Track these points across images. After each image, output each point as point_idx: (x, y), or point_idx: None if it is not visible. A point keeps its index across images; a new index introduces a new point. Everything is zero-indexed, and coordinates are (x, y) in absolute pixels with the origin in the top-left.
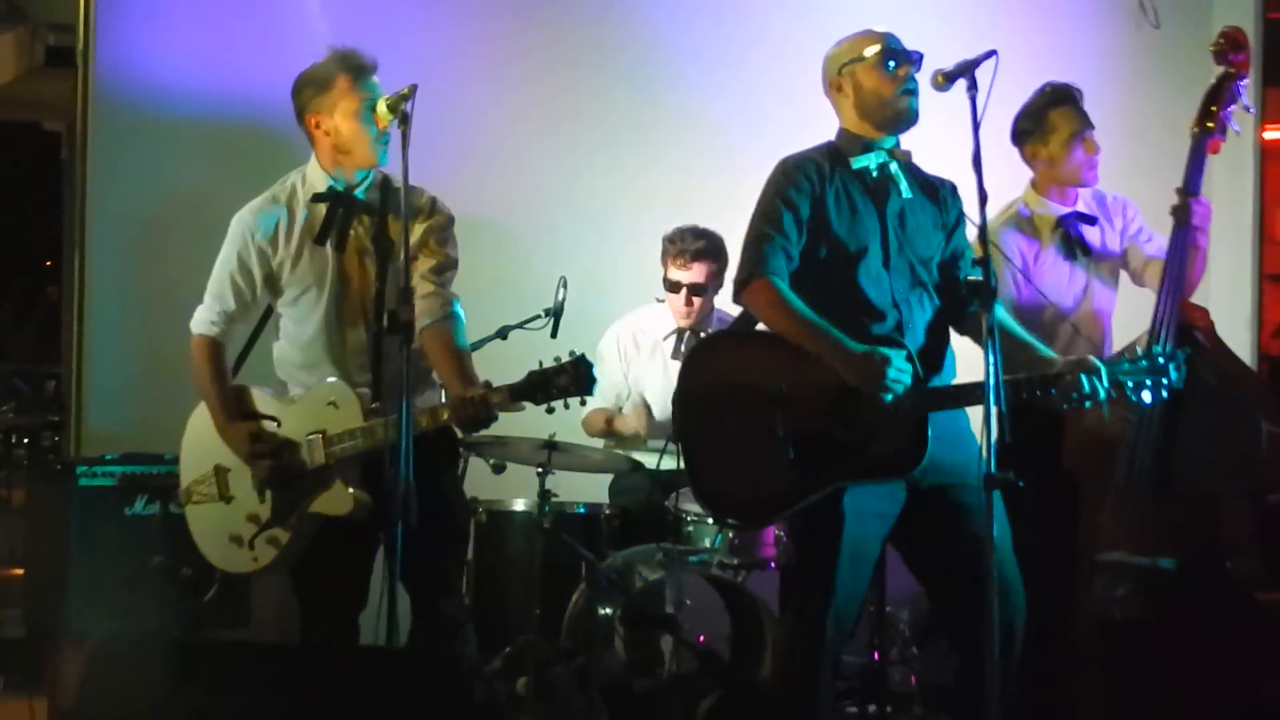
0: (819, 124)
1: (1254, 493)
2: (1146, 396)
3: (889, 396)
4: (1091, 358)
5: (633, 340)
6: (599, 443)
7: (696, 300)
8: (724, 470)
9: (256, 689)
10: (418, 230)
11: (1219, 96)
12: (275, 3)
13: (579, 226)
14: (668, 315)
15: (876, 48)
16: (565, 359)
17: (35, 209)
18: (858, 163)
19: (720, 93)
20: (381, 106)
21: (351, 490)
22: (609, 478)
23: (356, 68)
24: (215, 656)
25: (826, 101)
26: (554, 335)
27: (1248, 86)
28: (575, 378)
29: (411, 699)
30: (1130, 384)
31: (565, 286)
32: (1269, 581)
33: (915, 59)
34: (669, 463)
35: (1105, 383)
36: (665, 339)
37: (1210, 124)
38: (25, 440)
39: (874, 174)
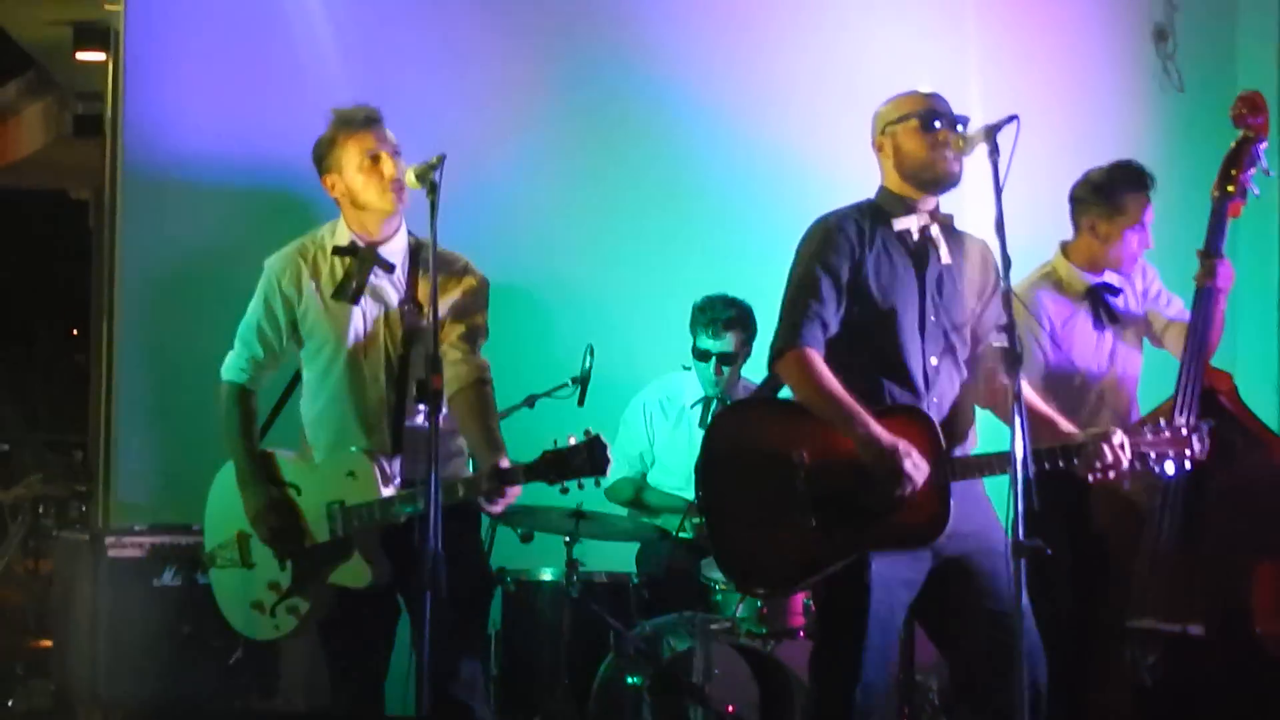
0: (850, 187)
1: None
2: (1169, 468)
3: (905, 489)
4: (1114, 429)
5: (659, 407)
6: (625, 510)
7: (726, 369)
8: (747, 537)
9: None
10: (451, 294)
11: (1239, 160)
12: (300, 69)
13: (606, 294)
14: (695, 383)
15: (919, 109)
16: (580, 438)
17: (62, 277)
18: (899, 224)
19: (750, 158)
20: (410, 176)
21: (370, 562)
22: (635, 546)
23: (351, 121)
24: None
25: (858, 164)
26: (581, 404)
27: (1266, 149)
28: (590, 458)
29: None
30: (1153, 455)
31: (592, 355)
32: None
33: (960, 120)
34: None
35: (1128, 454)
36: (692, 406)
37: (1230, 187)
38: (53, 510)
39: (915, 236)
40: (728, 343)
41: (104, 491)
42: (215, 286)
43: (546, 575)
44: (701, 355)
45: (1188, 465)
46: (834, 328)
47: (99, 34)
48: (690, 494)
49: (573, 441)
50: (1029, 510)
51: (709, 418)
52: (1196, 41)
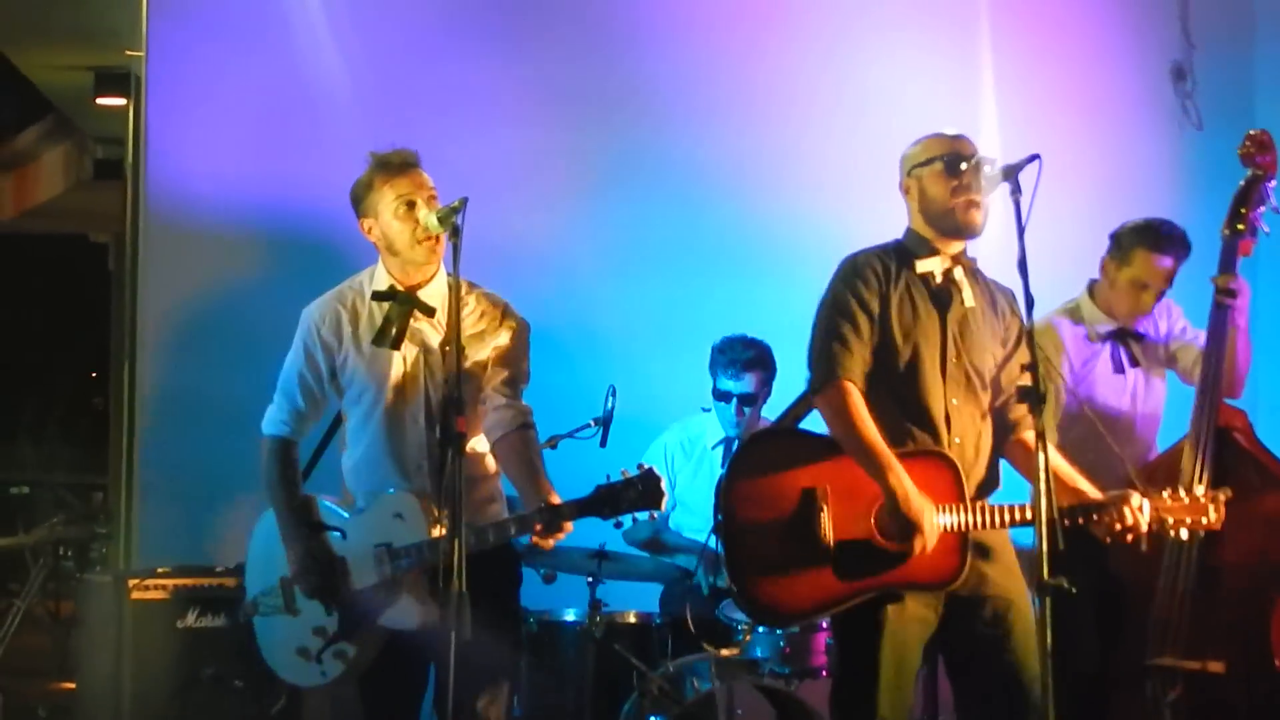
0: (870, 230)
1: None
2: (1184, 534)
3: (915, 551)
4: (1133, 493)
5: (681, 449)
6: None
7: (747, 410)
8: (764, 569)
9: None
10: (494, 339)
11: (1248, 198)
12: (322, 113)
13: (628, 335)
14: (715, 424)
15: (944, 153)
16: (633, 473)
17: (82, 320)
18: (922, 266)
19: (767, 200)
20: (432, 220)
21: (419, 603)
22: (655, 587)
23: (388, 165)
24: None
25: (879, 206)
26: (603, 444)
27: (1275, 187)
28: (644, 491)
29: None
30: (1170, 520)
31: (614, 395)
32: None
33: (985, 164)
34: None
35: (1146, 517)
36: (713, 448)
37: (1240, 225)
38: (73, 552)
39: (938, 279)
40: (748, 383)
41: (125, 533)
42: (237, 328)
43: (569, 616)
44: (722, 396)
45: (1201, 534)
46: (870, 362)
47: (119, 79)
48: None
49: (626, 475)
50: (1054, 549)
51: (729, 458)
52: (1215, 80)
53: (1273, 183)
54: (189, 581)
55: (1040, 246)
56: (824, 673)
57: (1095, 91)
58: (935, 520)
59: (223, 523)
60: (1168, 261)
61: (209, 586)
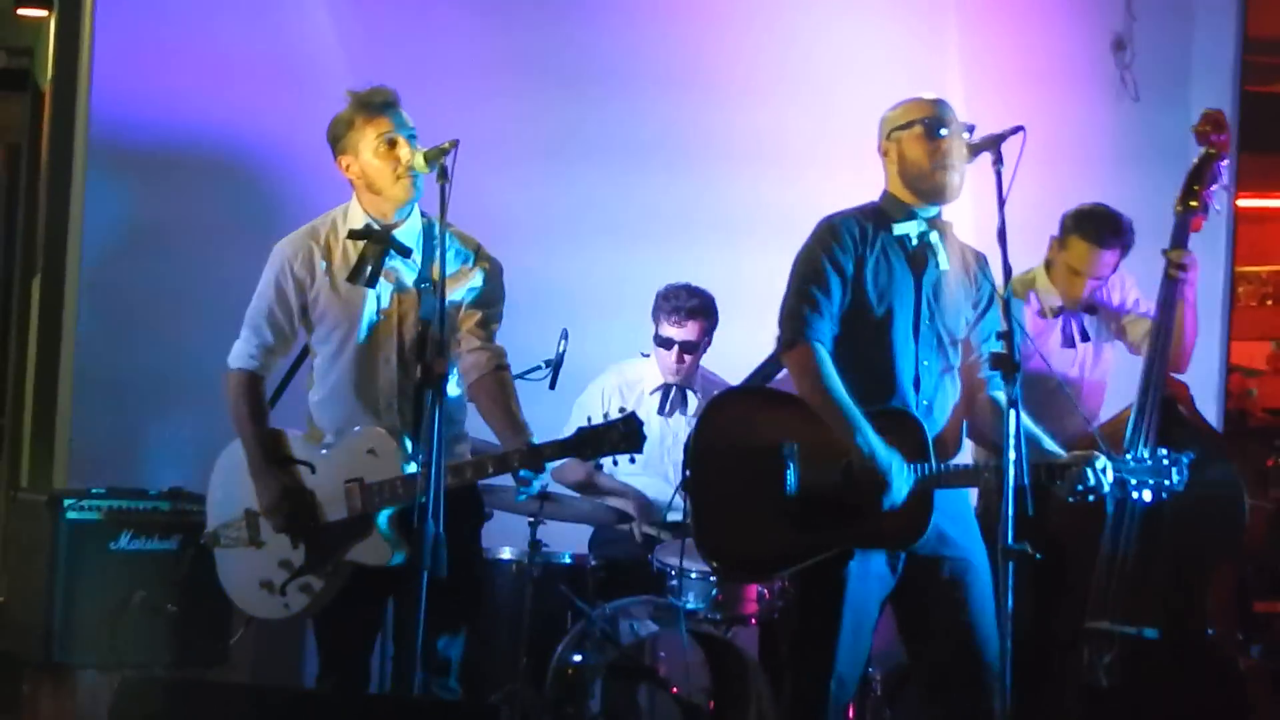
0: (827, 201)
1: (1235, 563)
2: (1147, 495)
3: (884, 506)
4: (1098, 454)
5: (619, 393)
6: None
7: (688, 358)
8: (731, 524)
9: None
10: (469, 280)
11: (1202, 176)
12: (270, 44)
13: (579, 279)
14: (654, 369)
15: (925, 116)
16: (616, 415)
17: None
18: (899, 229)
19: (722, 153)
20: (419, 160)
21: (389, 540)
22: (588, 529)
23: (369, 104)
24: (248, 701)
25: (829, 167)
26: (552, 386)
27: (1228, 165)
28: (626, 435)
29: None
30: (1133, 481)
31: (567, 339)
32: (1249, 650)
33: (966, 129)
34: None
35: (1109, 478)
36: (651, 393)
37: (1194, 203)
38: None
39: (914, 242)
40: (690, 330)
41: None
42: (176, 255)
43: (506, 554)
44: (664, 343)
45: (1164, 495)
46: (838, 326)
47: None
48: (642, 481)
49: (608, 418)
50: (1021, 515)
51: (668, 405)
52: (1153, 52)
53: (1225, 161)
54: (124, 503)
55: (962, 213)
56: (753, 620)
57: (1036, 58)
58: (905, 475)
59: (156, 446)
60: (1102, 253)
61: (144, 509)
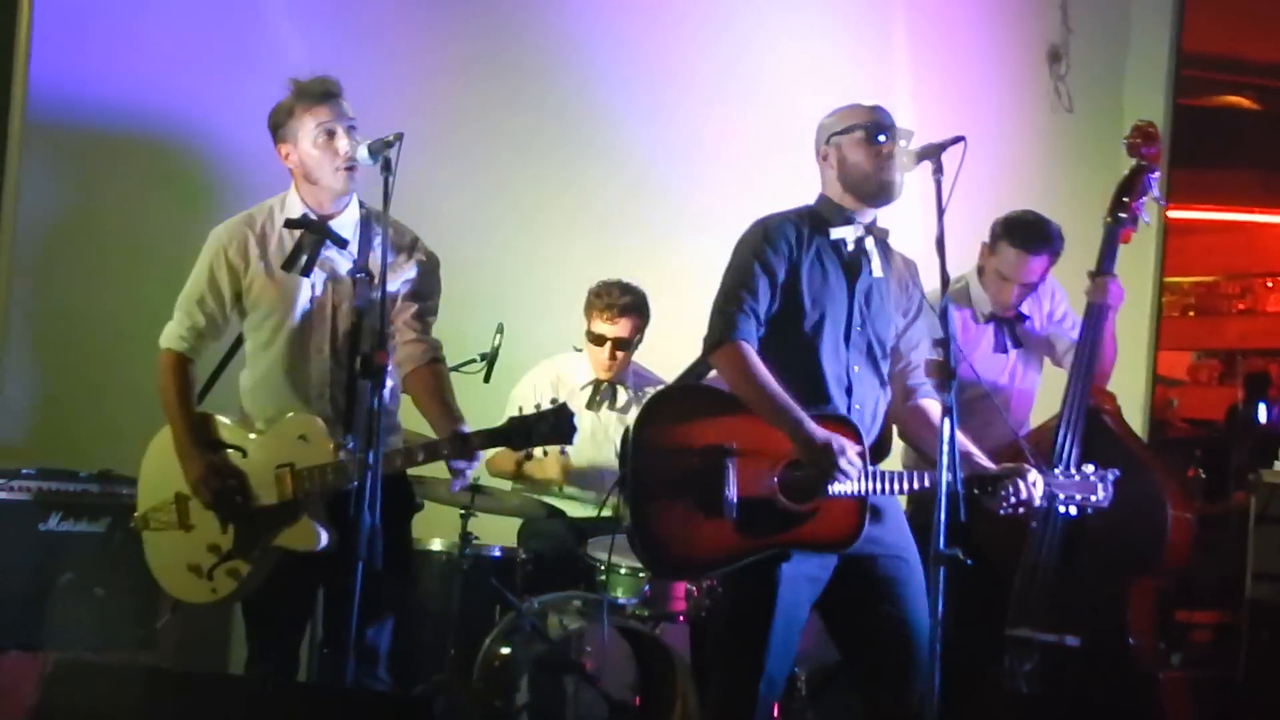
0: (756, 194)
1: (1157, 574)
2: (1073, 510)
3: (835, 487)
4: (1028, 467)
5: (551, 387)
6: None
7: (620, 354)
8: (666, 521)
9: None
10: (404, 272)
11: (1132, 188)
12: (214, 24)
13: (514, 273)
14: (585, 365)
15: (865, 121)
16: (546, 406)
17: None
18: (836, 233)
19: (654, 152)
20: (363, 151)
21: (318, 526)
22: (517, 522)
23: (308, 94)
24: (178, 687)
25: (766, 169)
26: (487, 380)
27: (1158, 178)
28: (556, 425)
29: None
30: (1061, 496)
31: (502, 333)
32: (1169, 659)
33: (904, 135)
34: (582, 510)
35: (1039, 492)
36: (582, 388)
37: (1123, 214)
38: None
39: (849, 247)
40: (623, 327)
41: None
42: (109, 238)
43: (436, 545)
44: (596, 340)
45: (1089, 511)
46: (764, 327)
47: None
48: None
49: (539, 409)
50: (954, 521)
51: (597, 400)
52: (1088, 64)
53: (1156, 174)
54: (54, 485)
55: (914, 224)
56: (681, 618)
57: (972, 67)
58: (852, 456)
59: (86, 428)
60: (1030, 259)
61: (73, 491)
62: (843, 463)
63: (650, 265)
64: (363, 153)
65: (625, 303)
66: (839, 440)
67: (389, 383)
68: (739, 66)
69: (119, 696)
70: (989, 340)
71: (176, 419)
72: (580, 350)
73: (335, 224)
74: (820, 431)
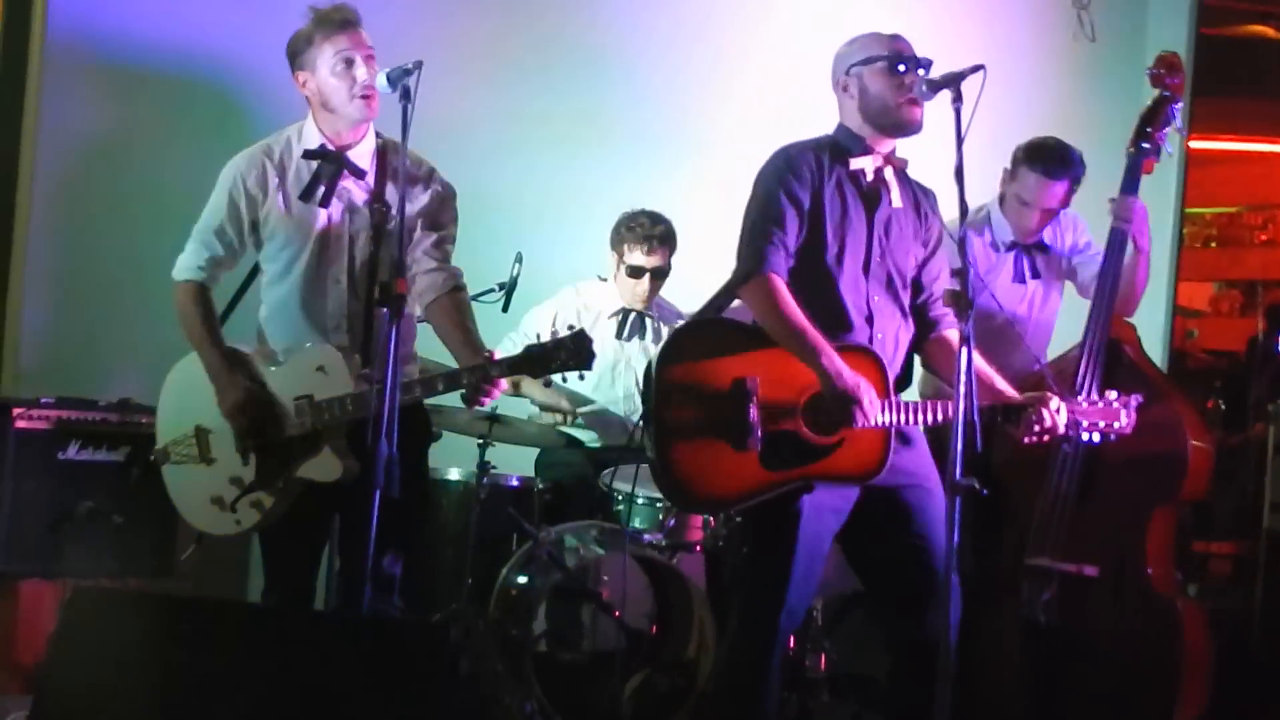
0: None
1: (1176, 503)
2: (1096, 437)
3: (855, 424)
4: (1051, 395)
5: (576, 315)
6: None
7: (657, 284)
8: (690, 457)
9: (241, 651)
10: (421, 201)
11: (1155, 119)
12: None
13: (533, 202)
14: (612, 293)
15: (885, 51)
16: (564, 333)
17: None
18: (855, 164)
19: (673, 78)
20: (382, 79)
21: (340, 457)
22: (535, 452)
23: (328, 21)
24: (197, 615)
25: (785, 94)
26: (505, 309)
27: (1181, 108)
28: (575, 352)
29: (397, 667)
30: (1084, 424)
31: (520, 262)
32: (1186, 589)
33: (924, 65)
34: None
35: (1063, 420)
36: (610, 317)
37: (1146, 145)
38: None
39: (869, 177)
40: (660, 257)
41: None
42: (133, 168)
43: (454, 475)
44: (634, 272)
45: (1112, 437)
46: (793, 258)
47: None
48: (597, 398)
49: (556, 335)
50: (970, 450)
51: (625, 329)
52: None
53: (1179, 104)
54: (74, 413)
55: (917, 152)
56: (698, 548)
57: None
58: (873, 393)
59: (103, 357)
60: (1051, 184)
61: (93, 420)
62: (865, 405)
63: (670, 193)
64: (381, 80)
65: (660, 232)
66: (864, 382)
67: (405, 312)
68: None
69: (137, 623)
70: (1009, 270)
71: (206, 347)
72: (605, 279)
73: (352, 154)
74: (848, 372)
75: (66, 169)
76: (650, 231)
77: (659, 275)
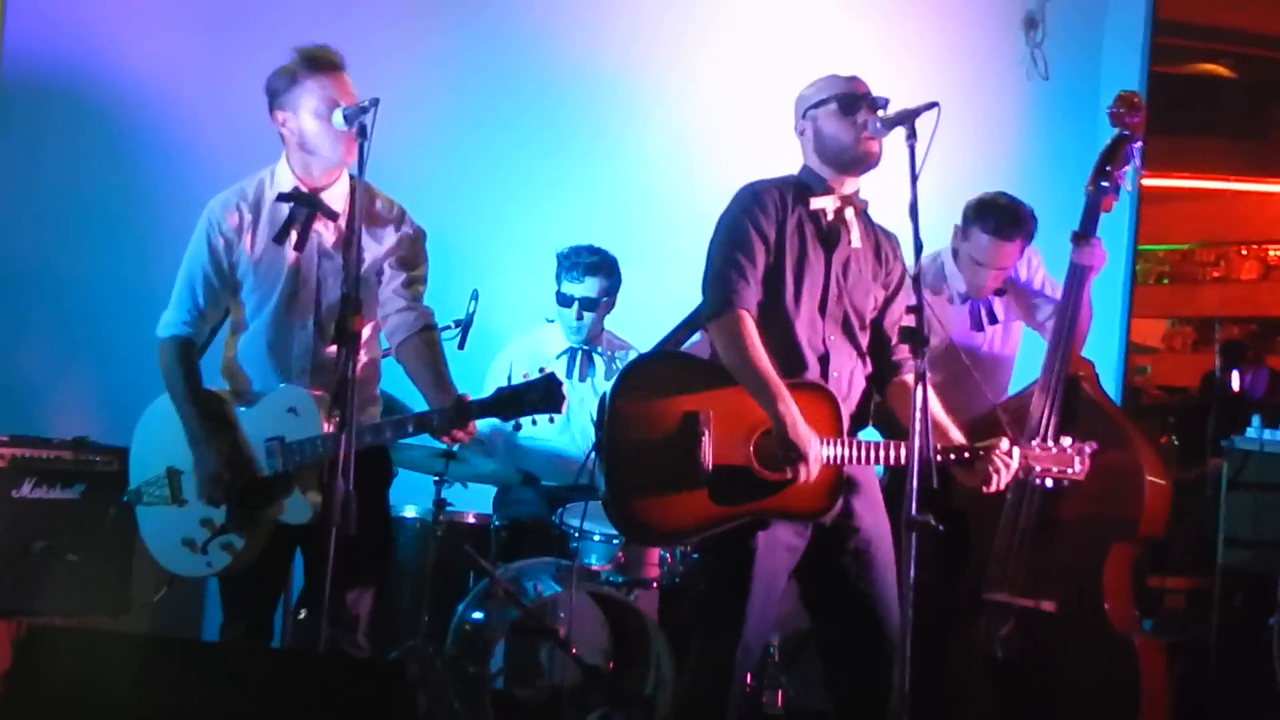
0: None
1: (1134, 540)
2: (1049, 483)
3: (800, 478)
4: (1004, 441)
5: (527, 359)
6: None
7: (587, 315)
8: (643, 489)
9: (198, 688)
10: (390, 242)
11: (1115, 157)
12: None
13: (491, 240)
14: (559, 335)
15: (839, 92)
16: (535, 375)
17: None
18: (816, 203)
19: (633, 121)
20: (338, 117)
21: (311, 499)
22: (491, 489)
23: (317, 62)
24: (154, 652)
25: (742, 138)
26: (461, 347)
27: (1140, 148)
28: (545, 395)
29: (357, 705)
30: (1037, 469)
31: (477, 300)
32: (1141, 625)
33: (880, 104)
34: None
35: (1015, 464)
36: (557, 357)
37: (1105, 183)
38: None
39: (828, 217)
40: (590, 287)
41: None
42: (81, 206)
43: (410, 512)
44: (564, 300)
45: (1065, 483)
46: (761, 292)
47: None
48: (556, 445)
49: (527, 378)
50: (925, 487)
51: (575, 369)
52: (1064, 32)
53: (1139, 143)
54: (28, 451)
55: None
56: (655, 584)
57: (947, 34)
58: (820, 450)
59: (58, 394)
60: (1003, 244)
61: (48, 458)
62: (810, 462)
63: (628, 234)
64: (338, 118)
65: (591, 262)
66: (815, 443)
67: (363, 356)
68: (712, 34)
69: (93, 662)
70: (965, 319)
71: (188, 410)
72: (552, 321)
73: (325, 195)
74: (804, 428)
75: (19, 204)
76: (581, 260)
77: (588, 305)
